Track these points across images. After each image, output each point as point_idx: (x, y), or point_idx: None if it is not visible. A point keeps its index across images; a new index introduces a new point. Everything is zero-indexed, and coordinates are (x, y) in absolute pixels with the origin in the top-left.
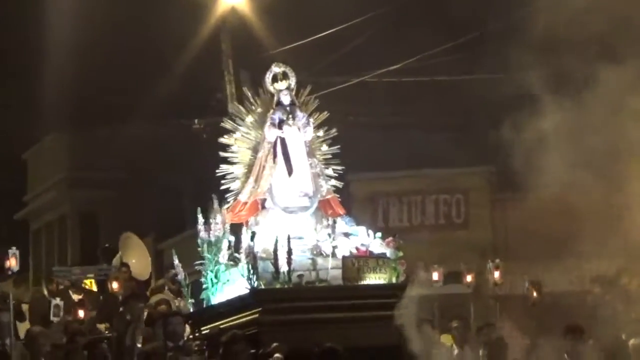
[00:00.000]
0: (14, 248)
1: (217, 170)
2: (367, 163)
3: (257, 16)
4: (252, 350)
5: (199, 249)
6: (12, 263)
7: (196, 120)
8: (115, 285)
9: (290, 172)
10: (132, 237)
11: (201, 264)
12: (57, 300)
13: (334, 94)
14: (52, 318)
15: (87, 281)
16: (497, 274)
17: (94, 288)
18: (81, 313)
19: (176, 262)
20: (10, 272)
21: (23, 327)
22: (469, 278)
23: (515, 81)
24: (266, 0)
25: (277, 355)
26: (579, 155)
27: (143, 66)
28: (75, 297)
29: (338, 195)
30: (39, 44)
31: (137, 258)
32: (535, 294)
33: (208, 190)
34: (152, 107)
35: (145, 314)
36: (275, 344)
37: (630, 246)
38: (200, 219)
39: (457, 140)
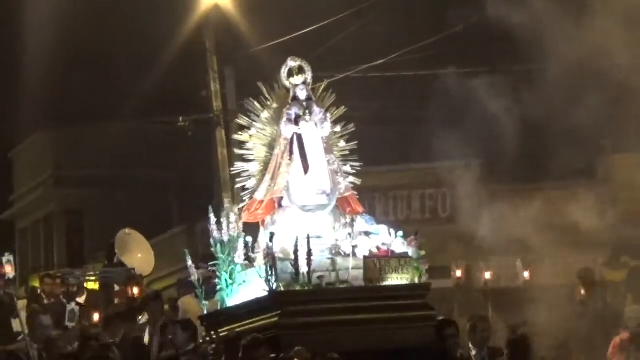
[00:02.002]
0: (7, 254)
1: (202, 167)
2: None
3: (241, 13)
4: (272, 355)
5: (212, 249)
6: (8, 270)
7: (181, 118)
8: (136, 290)
9: (307, 169)
10: (132, 233)
11: (214, 265)
12: (73, 305)
13: (318, 89)
14: (67, 323)
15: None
16: (527, 274)
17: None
18: (96, 316)
19: (189, 262)
20: (6, 279)
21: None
22: (458, 273)
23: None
24: None
25: None
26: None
27: (127, 63)
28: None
29: (356, 193)
30: (23, 42)
31: (141, 253)
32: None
33: (193, 187)
34: (137, 105)
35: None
36: (296, 348)
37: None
38: (213, 218)
39: (443, 134)
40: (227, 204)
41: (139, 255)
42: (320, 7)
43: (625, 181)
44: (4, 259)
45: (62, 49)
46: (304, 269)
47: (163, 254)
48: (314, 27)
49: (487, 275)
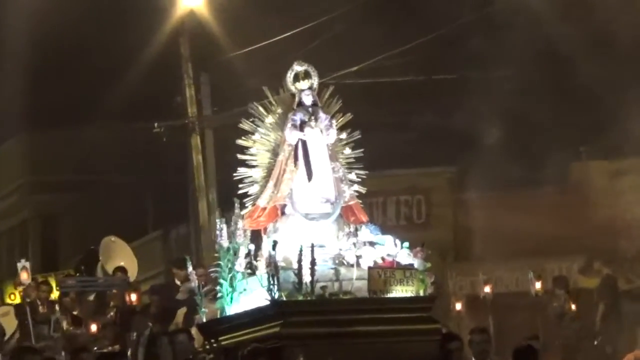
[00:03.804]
0: (23, 260)
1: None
2: None
3: (216, 19)
4: None
5: (216, 254)
6: (24, 277)
7: (156, 124)
8: (134, 297)
9: (310, 176)
10: (116, 241)
11: (216, 271)
12: (58, 315)
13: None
14: (52, 333)
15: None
16: (538, 285)
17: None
18: (94, 327)
19: (190, 269)
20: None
21: None
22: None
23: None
24: (225, 4)
25: None
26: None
27: (103, 69)
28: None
29: (360, 201)
30: None
31: (124, 261)
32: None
33: (168, 193)
34: (112, 110)
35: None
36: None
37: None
38: (219, 225)
39: (418, 141)
40: (237, 209)
41: (122, 263)
42: (296, 13)
43: (600, 188)
44: (19, 265)
45: (37, 54)
46: (307, 278)
47: (138, 260)
48: (290, 33)
49: (487, 289)
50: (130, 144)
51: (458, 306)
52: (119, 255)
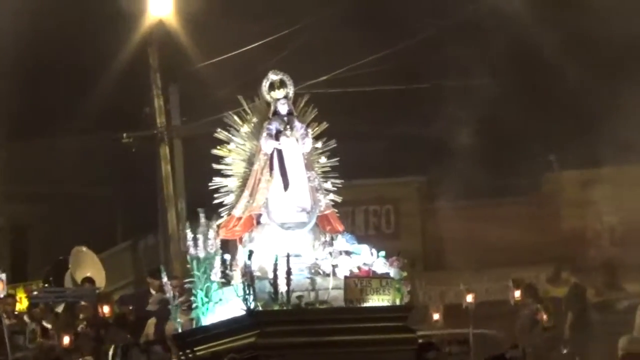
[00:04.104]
0: None
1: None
2: None
3: (185, 30)
4: None
5: (188, 265)
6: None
7: (125, 134)
8: (106, 309)
9: (286, 186)
10: (84, 251)
11: (190, 282)
12: (34, 325)
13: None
14: (27, 344)
15: (19, 294)
16: (517, 294)
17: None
18: (66, 340)
19: (165, 279)
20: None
21: None
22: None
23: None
24: (193, 14)
25: None
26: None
27: (71, 80)
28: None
29: (337, 211)
30: None
31: (92, 271)
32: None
33: (137, 203)
34: (81, 121)
35: None
36: None
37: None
38: (190, 235)
39: (387, 151)
40: (202, 219)
41: (88, 274)
42: (265, 23)
43: (571, 198)
44: None
45: (5, 65)
46: (282, 288)
47: (107, 270)
48: (259, 42)
49: (469, 298)
50: (99, 155)
51: (436, 316)
52: (88, 266)
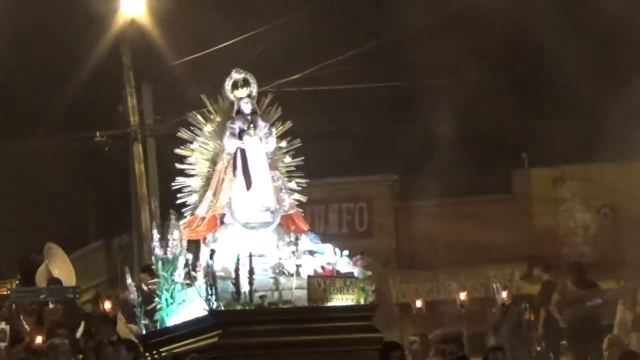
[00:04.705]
0: None
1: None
2: None
3: (158, 28)
4: None
5: (153, 266)
6: None
7: (98, 133)
8: (108, 305)
9: (248, 185)
10: (54, 247)
11: (155, 283)
12: (3, 325)
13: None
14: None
15: None
16: (504, 294)
17: None
18: (39, 339)
19: (129, 281)
20: None
21: None
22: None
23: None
24: (166, 12)
25: None
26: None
27: (43, 79)
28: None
29: (301, 210)
30: None
31: (60, 269)
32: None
33: (110, 203)
34: (53, 120)
35: None
36: None
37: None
38: (156, 235)
39: (359, 149)
40: (173, 220)
41: (56, 271)
42: (237, 22)
43: (541, 195)
44: None
45: None
46: (245, 288)
47: (80, 270)
48: (231, 41)
49: (462, 295)
50: (71, 154)
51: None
52: (56, 263)
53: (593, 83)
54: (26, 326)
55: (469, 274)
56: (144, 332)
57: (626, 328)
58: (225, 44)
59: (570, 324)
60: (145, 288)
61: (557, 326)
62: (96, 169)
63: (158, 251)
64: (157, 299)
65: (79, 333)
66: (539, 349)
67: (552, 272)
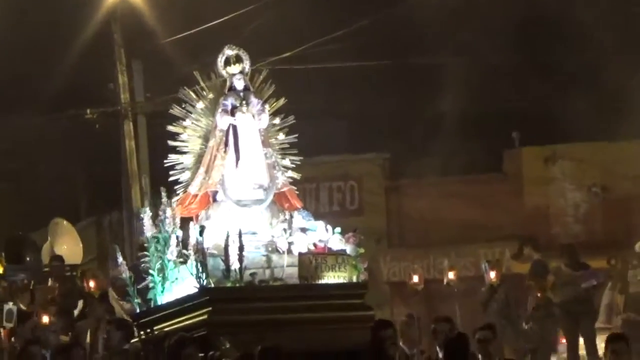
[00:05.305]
0: None
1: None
2: None
3: (149, 5)
4: (201, 354)
5: (146, 244)
6: None
7: (88, 110)
8: (92, 284)
9: (237, 161)
10: (61, 222)
11: (146, 261)
12: (10, 305)
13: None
14: (5, 324)
15: None
16: (493, 274)
17: None
18: (45, 319)
19: (120, 259)
20: None
21: None
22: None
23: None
24: None
25: None
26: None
27: (34, 56)
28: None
29: (295, 188)
30: None
31: (68, 244)
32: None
33: (101, 180)
34: (43, 97)
35: None
36: (225, 347)
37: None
38: (149, 212)
39: (351, 128)
40: (164, 197)
41: (65, 247)
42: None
43: (532, 174)
44: None
45: None
46: (235, 265)
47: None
48: (223, 19)
49: (451, 275)
50: (62, 132)
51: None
52: (63, 238)
53: (586, 61)
54: (21, 305)
55: (459, 252)
56: (137, 310)
57: (617, 310)
58: (217, 21)
59: (564, 304)
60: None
61: (547, 305)
62: (87, 146)
63: (151, 229)
64: (149, 277)
65: (77, 312)
66: (527, 327)
67: (542, 251)
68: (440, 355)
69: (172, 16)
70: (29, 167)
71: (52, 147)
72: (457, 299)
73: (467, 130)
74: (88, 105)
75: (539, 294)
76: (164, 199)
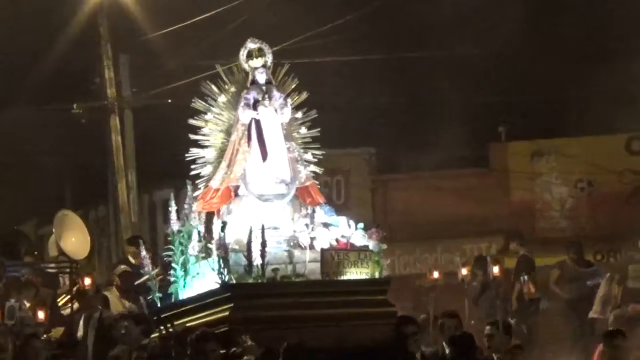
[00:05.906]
0: None
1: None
2: None
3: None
4: (223, 351)
5: (169, 239)
6: None
7: (75, 105)
8: (87, 281)
9: (264, 156)
10: (68, 215)
11: (169, 256)
12: (12, 302)
13: (216, 76)
14: (6, 321)
15: None
16: (496, 269)
17: None
18: (41, 314)
19: (143, 253)
20: None
21: None
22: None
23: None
24: None
25: (246, 358)
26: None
27: (20, 50)
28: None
29: (317, 182)
30: None
31: (76, 237)
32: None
33: (87, 174)
34: (30, 91)
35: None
36: (247, 344)
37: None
38: (173, 207)
39: (337, 122)
40: (189, 191)
41: (73, 239)
42: None
43: (519, 168)
44: None
45: None
46: (257, 261)
47: None
48: (209, 13)
49: (464, 271)
50: (48, 126)
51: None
52: (70, 231)
53: (571, 57)
54: (25, 301)
55: (445, 247)
56: (158, 305)
57: (614, 303)
58: (204, 15)
59: (569, 301)
60: (132, 261)
61: (532, 300)
62: (73, 140)
63: (174, 224)
64: (171, 272)
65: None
66: (512, 321)
67: (528, 246)
68: (447, 351)
69: (159, 10)
70: (15, 161)
71: (38, 141)
72: (442, 294)
73: (454, 125)
74: (75, 100)
75: (532, 289)
76: (189, 193)
